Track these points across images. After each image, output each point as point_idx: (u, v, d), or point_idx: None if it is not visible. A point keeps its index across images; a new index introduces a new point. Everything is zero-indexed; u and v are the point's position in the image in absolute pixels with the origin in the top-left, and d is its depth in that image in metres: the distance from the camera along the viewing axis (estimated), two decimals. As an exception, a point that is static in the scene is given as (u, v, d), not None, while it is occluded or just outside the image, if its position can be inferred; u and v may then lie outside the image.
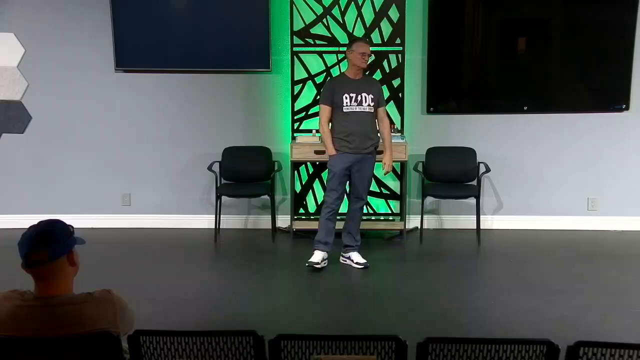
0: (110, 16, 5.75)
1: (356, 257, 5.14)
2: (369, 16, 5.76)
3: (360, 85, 4.98)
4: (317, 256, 5.07)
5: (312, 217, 6.02)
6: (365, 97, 4.96)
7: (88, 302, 2.27)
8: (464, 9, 5.79)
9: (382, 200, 6.00)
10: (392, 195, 5.99)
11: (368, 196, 5.32)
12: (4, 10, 5.85)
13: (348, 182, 5.09)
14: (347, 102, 4.94)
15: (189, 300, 4.41)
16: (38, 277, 2.28)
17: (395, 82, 5.77)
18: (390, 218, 5.96)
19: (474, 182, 5.82)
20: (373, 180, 5.47)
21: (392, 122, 5.58)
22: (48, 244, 2.25)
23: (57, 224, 2.34)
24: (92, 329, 2.21)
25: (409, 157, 5.67)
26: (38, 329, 2.19)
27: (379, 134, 5.09)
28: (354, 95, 4.95)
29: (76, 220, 6.44)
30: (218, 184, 5.83)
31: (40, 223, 2.35)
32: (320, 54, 5.84)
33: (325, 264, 5.10)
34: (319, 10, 5.76)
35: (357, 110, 4.96)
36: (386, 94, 5.67)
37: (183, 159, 6.08)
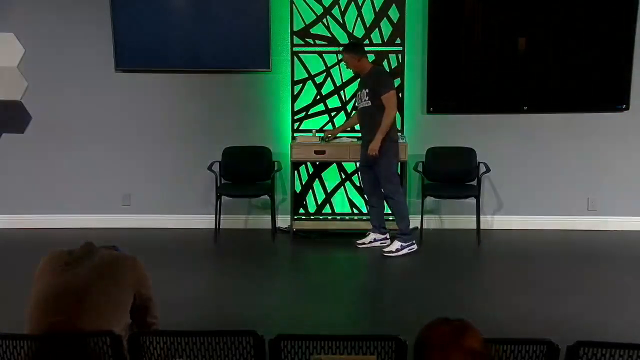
0: (110, 16, 5.75)
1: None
2: (369, 16, 5.76)
3: (363, 83, 5.36)
4: (367, 237, 5.59)
5: (312, 217, 6.03)
6: (364, 92, 5.28)
7: (123, 258, 2.60)
8: (464, 9, 5.79)
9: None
10: (392, 195, 5.99)
11: (390, 191, 5.39)
12: (4, 10, 5.85)
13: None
14: (356, 101, 5.46)
15: (189, 300, 4.41)
16: None
17: (396, 82, 5.76)
18: (390, 218, 5.95)
19: (474, 182, 5.82)
20: (381, 179, 5.45)
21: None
22: None
23: None
24: (120, 278, 2.49)
25: (409, 157, 5.67)
26: (71, 261, 2.49)
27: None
28: (359, 93, 5.37)
29: (76, 220, 6.42)
30: (218, 184, 5.83)
31: None
32: (320, 54, 5.84)
33: (372, 243, 5.54)
34: (319, 10, 5.77)
35: (361, 106, 5.36)
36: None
37: (183, 159, 6.08)
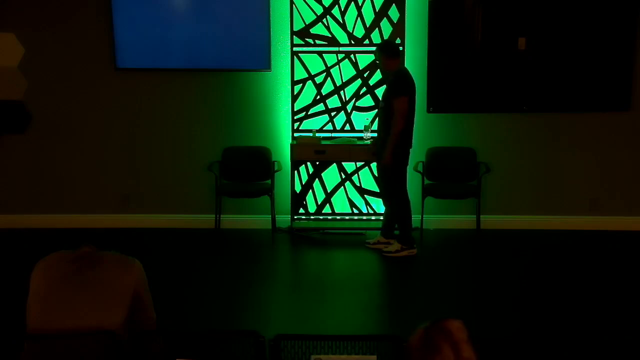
0: (110, 16, 5.75)
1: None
2: (369, 16, 5.76)
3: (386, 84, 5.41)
4: (375, 238, 5.63)
5: (312, 217, 6.02)
6: (384, 93, 5.33)
7: (122, 259, 2.61)
8: (464, 8, 5.79)
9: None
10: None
11: (389, 194, 5.46)
12: (4, 10, 5.84)
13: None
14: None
15: (189, 300, 4.42)
16: None
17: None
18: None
19: (474, 182, 5.82)
20: (382, 180, 5.50)
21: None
22: None
23: None
24: (120, 279, 2.51)
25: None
26: (70, 262, 2.50)
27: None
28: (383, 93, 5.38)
29: (76, 220, 6.42)
30: (218, 184, 5.83)
31: None
32: (320, 54, 5.84)
33: (377, 245, 5.49)
34: (319, 10, 5.76)
35: (380, 106, 5.41)
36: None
37: (183, 159, 6.08)
